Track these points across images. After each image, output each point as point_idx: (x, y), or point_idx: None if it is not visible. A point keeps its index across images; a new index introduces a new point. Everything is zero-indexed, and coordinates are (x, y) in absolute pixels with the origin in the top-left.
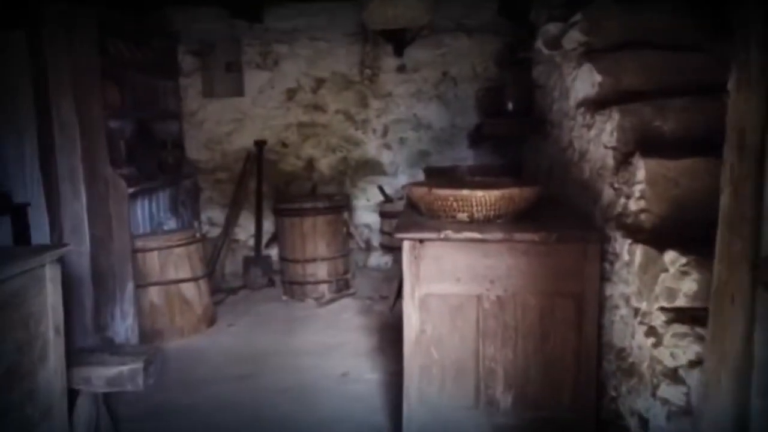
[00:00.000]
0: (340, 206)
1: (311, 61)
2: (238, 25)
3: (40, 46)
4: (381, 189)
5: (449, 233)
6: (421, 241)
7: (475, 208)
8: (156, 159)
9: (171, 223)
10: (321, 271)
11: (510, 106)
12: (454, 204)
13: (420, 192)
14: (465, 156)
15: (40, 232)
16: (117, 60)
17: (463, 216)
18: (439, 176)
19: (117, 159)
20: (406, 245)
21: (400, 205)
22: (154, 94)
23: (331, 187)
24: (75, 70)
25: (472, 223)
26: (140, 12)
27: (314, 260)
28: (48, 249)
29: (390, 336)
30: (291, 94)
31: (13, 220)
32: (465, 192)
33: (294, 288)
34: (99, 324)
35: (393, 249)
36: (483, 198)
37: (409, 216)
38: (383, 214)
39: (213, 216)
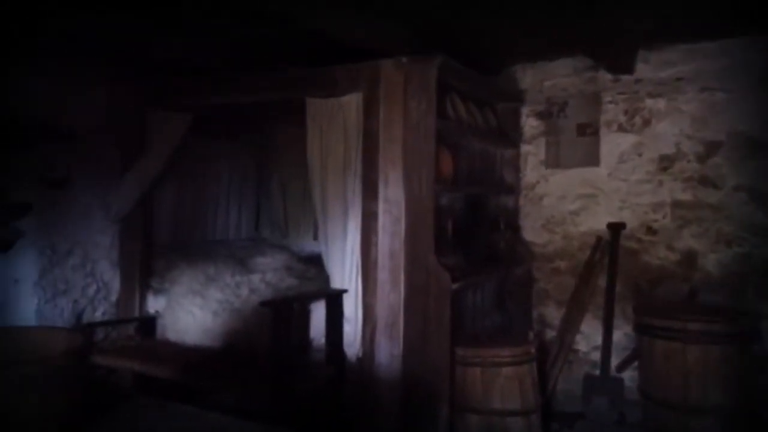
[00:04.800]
0: (746, 334)
1: (699, 119)
2: (598, 79)
3: (373, 107)
4: None
5: None
6: None
7: None
8: (485, 242)
9: (494, 319)
10: (713, 430)
11: None
12: None
13: None
14: None
15: (351, 323)
16: (455, 124)
17: None
18: None
19: (443, 243)
20: None
21: None
22: (491, 163)
23: (720, 295)
24: (409, 136)
25: None
26: (484, 68)
27: (702, 412)
28: None
29: None
30: (666, 163)
31: (328, 305)
32: None
33: None
34: None
35: None
36: None
37: None
38: None
39: (545, 314)
